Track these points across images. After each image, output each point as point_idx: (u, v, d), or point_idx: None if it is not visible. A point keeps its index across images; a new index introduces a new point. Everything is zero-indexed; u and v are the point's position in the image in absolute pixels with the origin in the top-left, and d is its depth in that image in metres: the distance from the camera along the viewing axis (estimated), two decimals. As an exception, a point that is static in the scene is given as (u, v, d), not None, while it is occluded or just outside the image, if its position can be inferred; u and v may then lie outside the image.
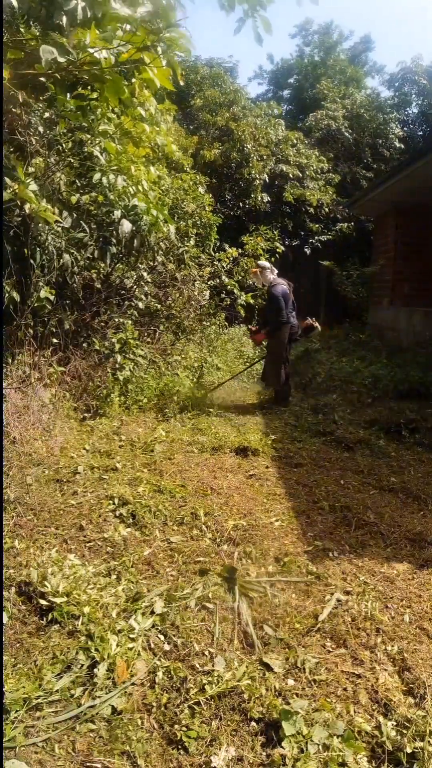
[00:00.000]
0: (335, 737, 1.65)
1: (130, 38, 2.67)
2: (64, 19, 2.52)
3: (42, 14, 2.70)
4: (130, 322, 5.67)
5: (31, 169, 4.33)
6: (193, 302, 7.50)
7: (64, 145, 4.80)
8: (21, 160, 4.12)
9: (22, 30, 3.12)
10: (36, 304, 4.47)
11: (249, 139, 12.11)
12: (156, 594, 2.32)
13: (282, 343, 5.92)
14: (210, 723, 1.70)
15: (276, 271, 6.20)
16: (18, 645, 2.00)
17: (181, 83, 4.00)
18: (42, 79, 3.04)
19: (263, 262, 6.39)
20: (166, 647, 2.02)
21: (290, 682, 1.88)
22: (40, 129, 4.31)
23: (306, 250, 13.16)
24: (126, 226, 4.87)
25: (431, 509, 3.42)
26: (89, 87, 3.33)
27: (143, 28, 2.62)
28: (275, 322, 5.85)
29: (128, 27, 2.73)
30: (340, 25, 25.08)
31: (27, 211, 3.72)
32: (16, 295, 4.22)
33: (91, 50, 2.73)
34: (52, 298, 4.56)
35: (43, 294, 4.45)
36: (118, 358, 5.23)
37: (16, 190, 3.34)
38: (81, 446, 4.09)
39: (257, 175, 12.12)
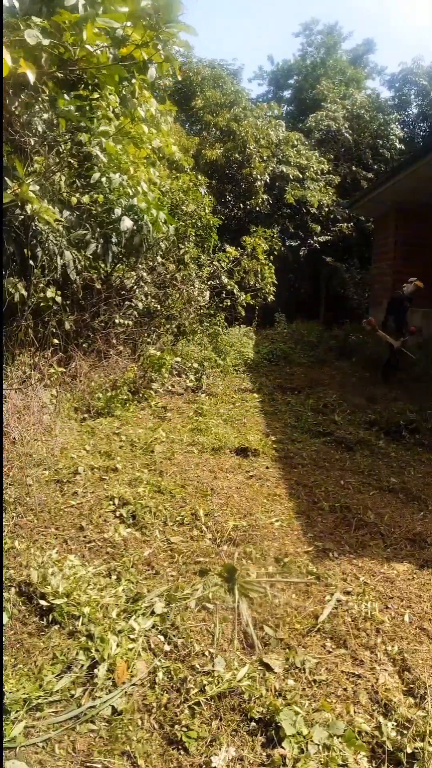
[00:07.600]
0: (335, 737, 1.65)
1: (130, 33, 2.66)
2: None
3: (42, 13, 2.70)
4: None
5: (33, 167, 4.33)
6: (193, 303, 7.50)
7: (63, 145, 4.80)
8: (21, 160, 4.12)
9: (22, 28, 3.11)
10: (42, 304, 4.48)
11: (251, 139, 12.11)
12: (156, 594, 2.32)
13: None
14: (210, 723, 1.70)
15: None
16: (18, 645, 2.00)
17: (179, 78, 4.03)
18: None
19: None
20: (167, 648, 2.02)
21: (290, 682, 1.87)
22: (40, 129, 4.31)
23: (302, 251, 13.14)
24: (127, 222, 4.91)
25: (431, 509, 3.42)
26: (89, 87, 3.33)
27: (141, 24, 2.61)
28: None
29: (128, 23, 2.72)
30: (343, 26, 25.07)
31: (29, 212, 3.72)
32: (24, 292, 4.22)
33: (89, 47, 2.72)
34: (58, 298, 4.58)
35: (49, 294, 4.47)
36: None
37: (17, 191, 3.33)
38: (81, 447, 4.09)
39: (259, 176, 12.12)
